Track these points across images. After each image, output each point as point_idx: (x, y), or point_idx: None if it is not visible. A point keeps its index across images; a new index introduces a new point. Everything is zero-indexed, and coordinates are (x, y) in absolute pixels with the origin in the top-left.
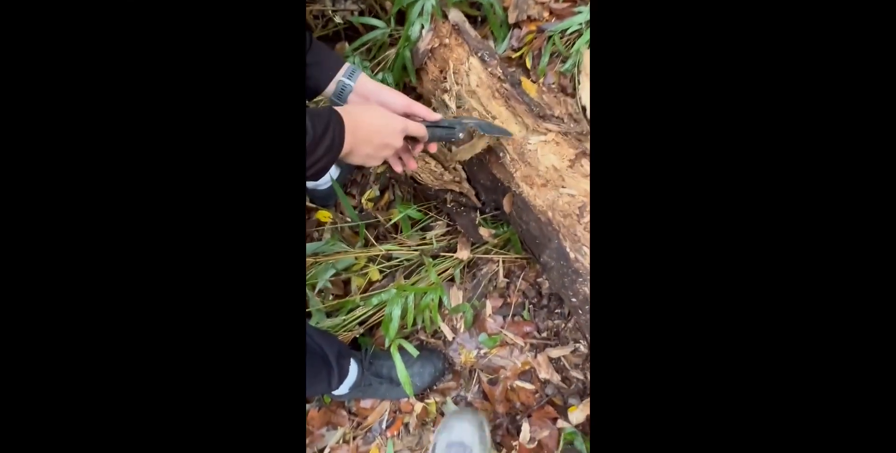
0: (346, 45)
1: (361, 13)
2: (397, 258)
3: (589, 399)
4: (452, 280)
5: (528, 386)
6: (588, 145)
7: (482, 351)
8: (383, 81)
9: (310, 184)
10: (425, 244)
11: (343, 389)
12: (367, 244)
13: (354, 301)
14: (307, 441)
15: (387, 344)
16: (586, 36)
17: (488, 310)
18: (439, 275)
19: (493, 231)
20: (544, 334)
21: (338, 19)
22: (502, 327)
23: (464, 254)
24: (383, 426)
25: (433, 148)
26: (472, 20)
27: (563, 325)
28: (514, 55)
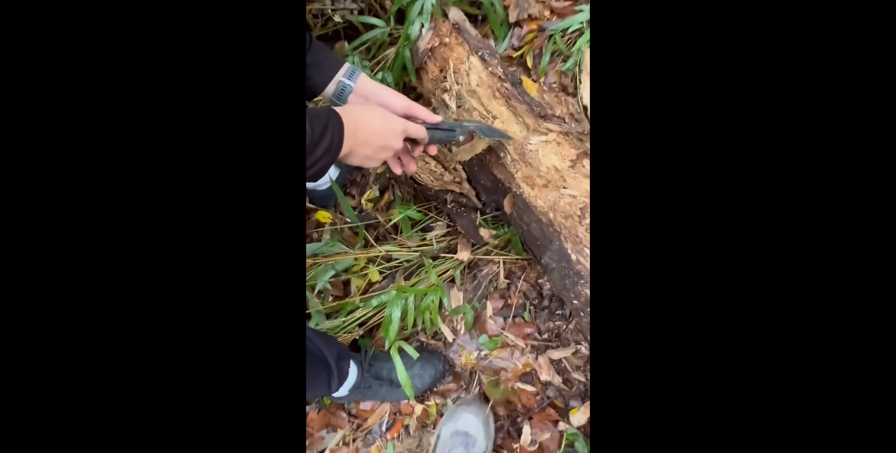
0: (346, 44)
1: (361, 12)
2: (397, 259)
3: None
4: (453, 281)
5: (530, 387)
6: (589, 145)
7: (483, 353)
8: (383, 81)
9: (309, 184)
10: (425, 245)
11: (343, 391)
12: (366, 245)
13: (354, 302)
14: (307, 443)
15: (387, 346)
16: (587, 35)
17: (489, 311)
18: (439, 276)
19: (494, 232)
20: (545, 336)
21: (337, 18)
22: (503, 328)
23: (464, 255)
24: (383, 428)
25: (433, 150)
26: (472, 19)
27: (565, 327)
28: (515, 54)
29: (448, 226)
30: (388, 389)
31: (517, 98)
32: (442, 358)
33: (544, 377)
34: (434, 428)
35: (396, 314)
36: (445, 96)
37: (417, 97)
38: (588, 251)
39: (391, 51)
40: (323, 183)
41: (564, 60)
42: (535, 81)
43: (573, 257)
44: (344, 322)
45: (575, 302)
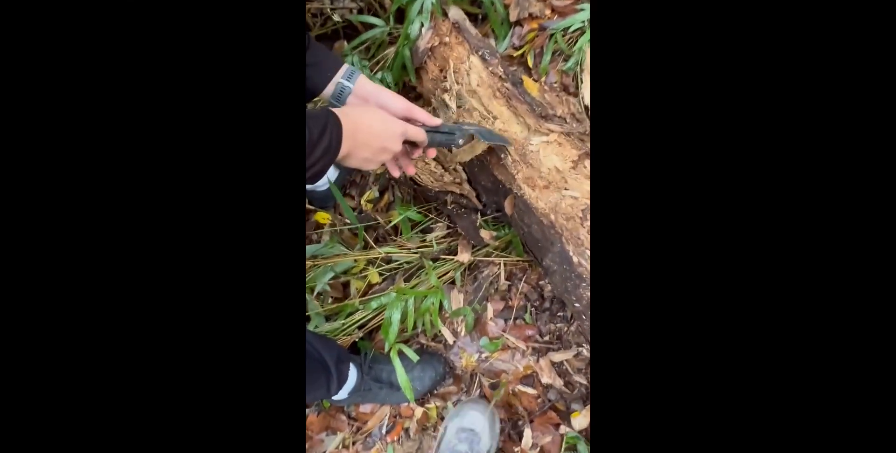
0: (345, 43)
1: (360, 11)
2: (397, 261)
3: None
4: (453, 283)
5: (531, 390)
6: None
7: (483, 355)
8: (382, 80)
9: (307, 185)
10: (425, 246)
11: (342, 394)
12: (366, 246)
13: (353, 304)
14: (306, 446)
15: (386, 349)
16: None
17: (489, 313)
18: (440, 277)
19: (495, 233)
20: (546, 338)
21: (336, 17)
22: (504, 331)
23: (464, 256)
24: (383, 431)
25: (432, 153)
26: (472, 18)
27: (566, 329)
28: (516, 53)
29: (448, 228)
30: (388, 392)
31: (518, 98)
32: (442, 361)
33: (545, 380)
34: (435, 430)
35: (396, 316)
36: (445, 96)
37: (417, 97)
38: (590, 253)
39: (391, 50)
40: (322, 183)
41: (566, 60)
42: (536, 81)
43: (575, 260)
44: (343, 324)
45: (577, 305)
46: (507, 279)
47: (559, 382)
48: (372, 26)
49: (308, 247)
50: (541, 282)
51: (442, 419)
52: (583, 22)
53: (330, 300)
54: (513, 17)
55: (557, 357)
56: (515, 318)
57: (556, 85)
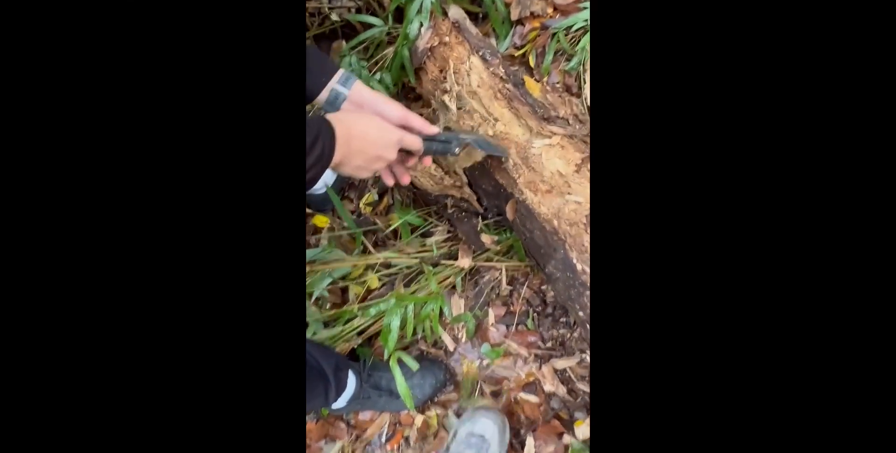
0: (343, 43)
1: (358, 10)
2: (396, 266)
3: None
4: (454, 288)
5: (533, 398)
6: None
7: (485, 362)
8: (381, 81)
9: None
10: (425, 251)
11: (341, 402)
12: (365, 251)
13: (352, 310)
14: None
15: (385, 356)
16: None
17: (491, 319)
18: (440, 283)
19: (496, 237)
20: (549, 344)
21: (334, 17)
22: (505, 337)
23: (465, 261)
24: (383, 439)
25: (428, 162)
26: (472, 17)
27: (569, 335)
28: (517, 53)
29: (449, 232)
30: (388, 400)
31: (519, 99)
32: (443, 368)
33: (548, 387)
34: (435, 437)
35: (395, 323)
36: (445, 97)
37: (416, 98)
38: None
39: (389, 50)
40: (319, 186)
41: (568, 59)
42: (537, 81)
43: (578, 267)
44: (342, 330)
45: (581, 313)
46: (508, 284)
47: (562, 390)
48: (370, 26)
49: (306, 251)
50: (543, 287)
51: (443, 427)
52: (585, 21)
53: (328, 306)
54: (514, 16)
55: (560, 364)
56: (517, 324)
57: (558, 85)
